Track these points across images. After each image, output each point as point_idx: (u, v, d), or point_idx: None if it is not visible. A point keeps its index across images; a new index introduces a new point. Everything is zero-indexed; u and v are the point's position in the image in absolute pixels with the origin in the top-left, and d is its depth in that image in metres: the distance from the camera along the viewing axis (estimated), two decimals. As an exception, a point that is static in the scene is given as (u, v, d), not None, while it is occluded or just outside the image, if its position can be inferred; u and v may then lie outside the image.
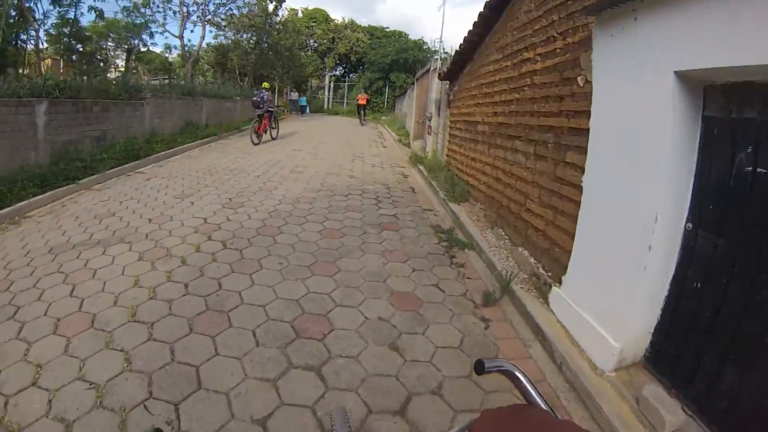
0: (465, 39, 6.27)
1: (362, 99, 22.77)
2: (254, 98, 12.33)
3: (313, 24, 35.51)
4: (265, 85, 13.26)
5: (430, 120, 8.91)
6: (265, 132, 12.80)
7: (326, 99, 36.15)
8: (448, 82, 8.02)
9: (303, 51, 36.06)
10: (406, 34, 32.71)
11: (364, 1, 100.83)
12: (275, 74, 24.99)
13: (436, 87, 8.69)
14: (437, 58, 10.47)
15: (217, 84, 20.98)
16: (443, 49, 30.58)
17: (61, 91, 7.76)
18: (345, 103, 34.84)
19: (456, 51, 6.76)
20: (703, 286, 2.06)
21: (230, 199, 5.95)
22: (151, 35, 19.50)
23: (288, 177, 7.49)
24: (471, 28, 5.94)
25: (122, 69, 25.47)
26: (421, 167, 8.69)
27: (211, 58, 25.07)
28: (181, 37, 18.33)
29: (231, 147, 11.38)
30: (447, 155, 7.90)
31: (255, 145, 11.77)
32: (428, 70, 11.09)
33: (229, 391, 2.23)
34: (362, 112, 22.22)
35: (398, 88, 28.11)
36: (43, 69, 14.11)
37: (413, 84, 25.67)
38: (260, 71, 24.57)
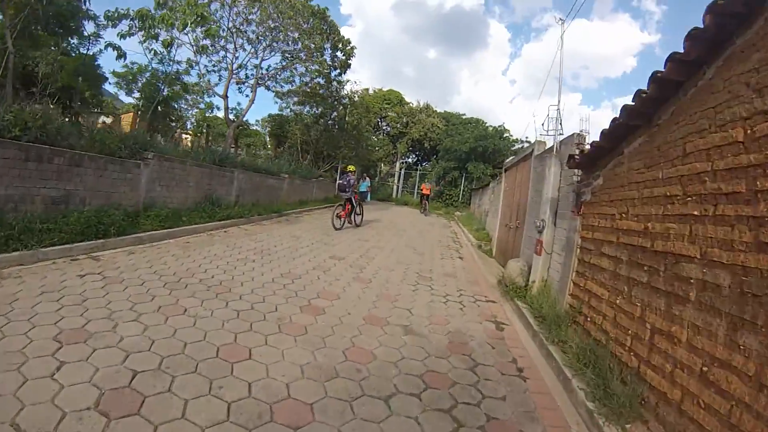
0: (637, 94, 3.21)
1: (426, 189, 23.47)
2: (340, 181, 12.57)
3: (387, 106, 34.87)
4: (351, 168, 13.03)
5: (540, 232, 5.63)
6: (349, 216, 12.46)
7: (395, 187, 34.32)
8: (579, 172, 4.86)
9: (374, 134, 35.26)
10: (483, 121, 30.72)
11: (438, 93, 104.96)
12: (338, 153, 23.46)
13: (552, 180, 5.53)
14: (543, 140, 7.44)
15: (271, 158, 19.55)
16: (527, 138, 28.06)
17: (22, 130, 5.68)
18: (416, 193, 32.67)
19: (612, 121, 3.66)
20: None
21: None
22: (202, 94, 18.54)
23: (286, 325, 4.14)
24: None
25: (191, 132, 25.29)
26: (522, 307, 5.27)
27: (269, 129, 24.24)
28: (225, 97, 16.79)
29: (254, 237, 8.77)
30: (573, 296, 4.48)
31: (336, 229, 11.51)
32: (527, 156, 8.07)
33: None
34: (425, 202, 22.85)
35: (476, 180, 25.42)
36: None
37: (495, 176, 22.91)
38: (323, 149, 23.20)
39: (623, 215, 3.53)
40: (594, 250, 4.08)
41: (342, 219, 12.01)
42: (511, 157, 10.26)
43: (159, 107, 16.93)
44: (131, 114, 21.22)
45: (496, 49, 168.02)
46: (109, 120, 17.91)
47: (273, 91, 18.60)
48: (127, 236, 6.51)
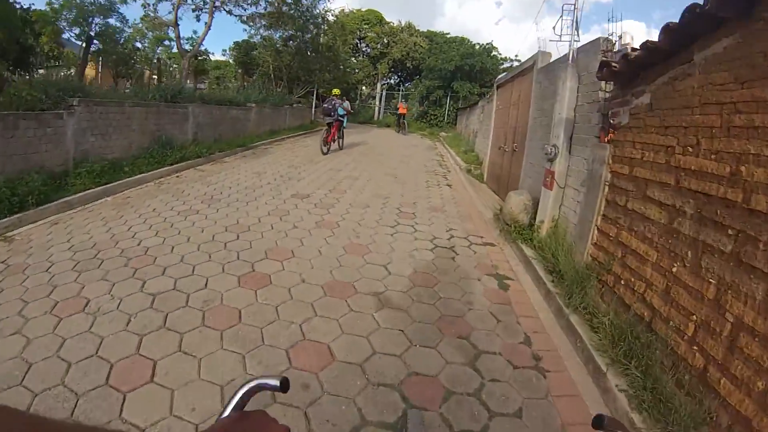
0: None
1: (403, 108, 22.92)
2: (325, 105, 12.38)
3: (366, 26, 31.96)
4: (336, 92, 13.25)
5: (551, 161, 4.57)
6: (334, 141, 12.60)
7: (377, 109, 32.40)
8: (607, 86, 3.74)
9: (354, 56, 32.67)
10: (469, 40, 28.08)
11: (422, 15, 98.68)
12: (314, 77, 21.42)
13: (567, 97, 4.37)
14: (548, 51, 6.13)
15: (239, 88, 17.71)
16: (516, 56, 26.11)
17: None
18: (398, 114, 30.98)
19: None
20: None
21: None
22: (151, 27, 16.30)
23: (214, 311, 3.21)
24: None
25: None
26: (530, 256, 4.38)
27: (234, 57, 21.97)
28: (175, 24, 14.68)
29: (209, 179, 7.60)
30: (598, 246, 3.55)
31: (324, 154, 11.61)
32: (527, 69, 6.78)
33: None
34: (403, 122, 22.29)
35: (462, 100, 23.78)
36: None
37: (483, 95, 21.47)
38: (297, 74, 21.17)
39: (689, 149, 2.48)
40: (634, 192, 3.05)
41: (329, 143, 12.06)
42: (504, 73, 8.91)
43: (105, 47, 14.86)
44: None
45: None
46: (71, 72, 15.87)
47: (235, 16, 16.28)
48: (52, 203, 5.33)
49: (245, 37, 20.82)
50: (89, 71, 21.54)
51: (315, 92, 22.15)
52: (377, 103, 32.55)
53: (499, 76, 9.92)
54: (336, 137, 12.65)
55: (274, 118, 16.39)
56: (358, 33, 31.60)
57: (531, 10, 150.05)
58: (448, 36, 30.24)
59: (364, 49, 33.11)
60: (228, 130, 12.40)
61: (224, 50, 21.84)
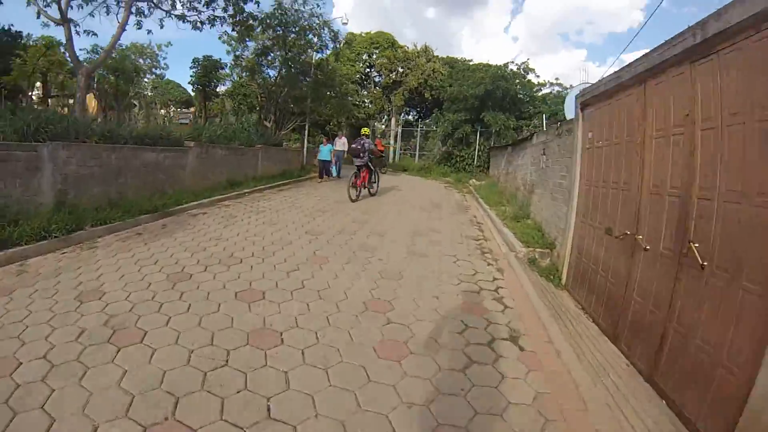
0: None
1: (381, 145, 19.16)
2: (353, 146, 11.38)
3: (375, 50, 28.48)
4: (365, 131, 11.95)
5: None
6: (364, 187, 11.63)
7: (392, 150, 28.33)
8: None
9: (363, 86, 29.01)
10: (497, 64, 23.81)
11: (437, 50, 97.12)
12: (304, 108, 17.28)
13: None
14: None
15: (195, 121, 13.71)
16: (557, 80, 21.75)
17: None
18: (417, 156, 26.67)
19: None
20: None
21: None
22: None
23: None
24: None
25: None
26: None
27: (191, 78, 18.19)
28: (64, 21, 10.07)
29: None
30: None
31: (353, 201, 10.72)
32: (692, 55, 2.37)
33: None
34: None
35: (496, 136, 19.39)
36: None
37: (520, 129, 17.28)
38: (286, 103, 17.22)
39: None
40: None
41: (358, 188, 11.26)
42: (610, 75, 4.37)
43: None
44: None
45: (496, 5, 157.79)
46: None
47: (177, 17, 12.28)
48: None
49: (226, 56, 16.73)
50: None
51: (306, 127, 18.00)
52: (392, 142, 28.50)
53: (589, 86, 5.36)
54: (368, 181, 11.69)
55: (237, 163, 12.18)
56: (368, 60, 28.06)
57: (547, 44, 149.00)
58: (471, 63, 26.31)
59: (374, 77, 29.46)
60: (138, 184, 8.20)
61: (191, 76, 17.68)
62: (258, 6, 12.86)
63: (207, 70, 17.55)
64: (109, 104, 20.84)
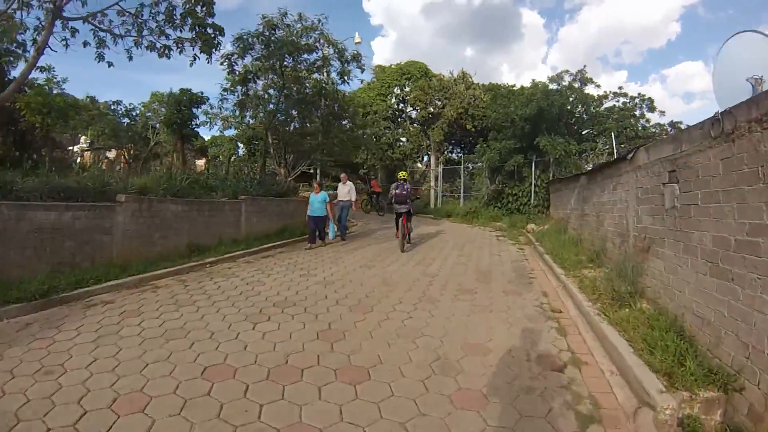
0: None
1: (378, 186, 21.03)
2: (396, 191, 10.27)
3: (405, 82, 25.79)
4: (403, 174, 10.87)
5: None
6: (404, 237, 10.32)
7: (432, 193, 24.85)
8: None
9: (395, 121, 26.24)
10: (546, 83, 19.90)
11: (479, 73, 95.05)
12: (305, 147, 14.23)
13: None
14: None
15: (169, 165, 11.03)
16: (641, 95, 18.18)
17: None
18: (462, 198, 22.99)
19: None
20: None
21: None
22: None
23: None
24: None
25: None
26: None
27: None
28: None
29: None
30: None
31: (403, 252, 9.81)
32: None
33: None
34: (379, 201, 19.11)
35: (555, 166, 15.58)
36: None
37: (584, 153, 13.83)
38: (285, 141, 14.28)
39: None
40: None
41: (405, 236, 10.39)
42: None
43: None
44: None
45: (532, 38, 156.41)
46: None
47: (144, 48, 9.79)
48: None
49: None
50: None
51: (317, 171, 15.00)
52: (433, 184, 25.08)
53: None
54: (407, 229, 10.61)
55: (205, 221, 9.21)
56: (400, 94, 25.39)
57: (587, 70, 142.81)
58: (515, 89, 22.74)
59: (409, 112, 26.66)
60: (26, 257, 5.43)
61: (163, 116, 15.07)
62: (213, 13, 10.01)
63: (181, 106, 15.22)
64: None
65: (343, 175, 12.82)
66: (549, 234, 10.82)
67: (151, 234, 7.78)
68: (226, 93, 13.70)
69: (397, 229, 10.40)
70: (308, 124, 13.92)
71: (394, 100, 26.52)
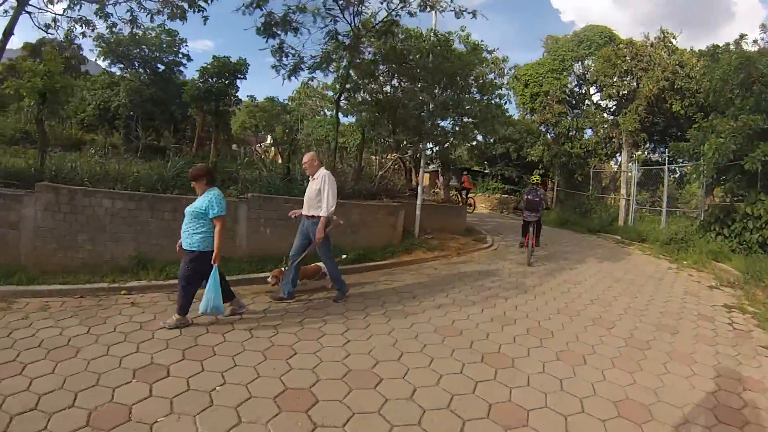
0: None
1: (468, 182, 18.84)
2: (529, 196, 9.79)
3: (585, 52, 19.46)
4: (536, 178, 10.80)
5: None
6: (531, 249, 9.45)
7: (624, 204, 17.76)
8: None
9: (573, 106, 20.30)
10: None
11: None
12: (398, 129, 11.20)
13: None
14: None
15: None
16: None
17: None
18: (665, 215, 15.59)
19: None
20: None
21: None
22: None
23: None
24: None
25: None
26: None
27: None
28: None
29: None
30: None
31: (529, 266, 8.85)
32: None
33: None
34: (467, 197, 18.79)
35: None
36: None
37: None
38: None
39: None
40: None
41: (533, 248, 9.34)
42: None
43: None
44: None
45: (744, 17, 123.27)
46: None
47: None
48: None
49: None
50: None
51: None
52: (624, 192, 18.06)
53: None
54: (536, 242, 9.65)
55: (158, 224, 6.23)
56: (581, 70, 19.35)
57: None
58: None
59: (592, 95, 20.26)
60: None
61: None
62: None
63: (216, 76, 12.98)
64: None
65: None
66: None
67: (73, 235, 5.98)
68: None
69: (524, 237, 9.86)
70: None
71: (571, 77, 20.49)
